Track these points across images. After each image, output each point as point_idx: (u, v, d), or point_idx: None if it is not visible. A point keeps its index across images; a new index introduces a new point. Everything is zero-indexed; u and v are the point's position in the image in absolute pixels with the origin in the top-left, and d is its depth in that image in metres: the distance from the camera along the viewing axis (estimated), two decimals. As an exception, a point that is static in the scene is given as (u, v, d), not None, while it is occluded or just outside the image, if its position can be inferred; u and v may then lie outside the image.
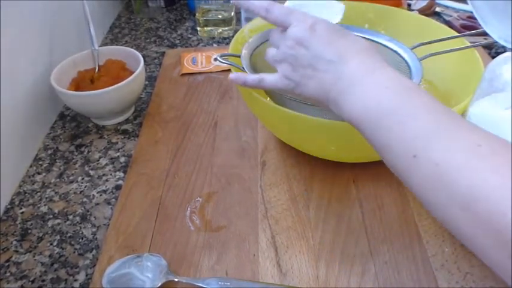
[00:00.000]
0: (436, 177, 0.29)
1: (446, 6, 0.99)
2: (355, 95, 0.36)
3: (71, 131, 0.68)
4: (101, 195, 0.57)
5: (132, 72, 0.67)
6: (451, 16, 0.94)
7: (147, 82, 0.78)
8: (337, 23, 0.55)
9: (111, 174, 0.60)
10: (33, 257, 0.50)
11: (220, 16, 0.92)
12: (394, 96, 0.34)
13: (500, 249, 0.26)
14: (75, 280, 0.47)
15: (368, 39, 0.55)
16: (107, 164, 0.62)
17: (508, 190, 0.26)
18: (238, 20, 0.97)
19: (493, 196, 0.26)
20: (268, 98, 0.56)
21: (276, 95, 0.51)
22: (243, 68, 0.52)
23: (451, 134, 0.30)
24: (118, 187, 0.58)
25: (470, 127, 0.31)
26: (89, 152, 0.64)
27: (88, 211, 0.55)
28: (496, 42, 0.38)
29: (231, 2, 0.45)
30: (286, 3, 0.58)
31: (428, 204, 0.31)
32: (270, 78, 0.44)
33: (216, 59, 0.54)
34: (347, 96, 0.37)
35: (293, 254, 0.48)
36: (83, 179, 0.60)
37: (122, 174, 0.60)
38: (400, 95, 0.34)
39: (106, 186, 0.58)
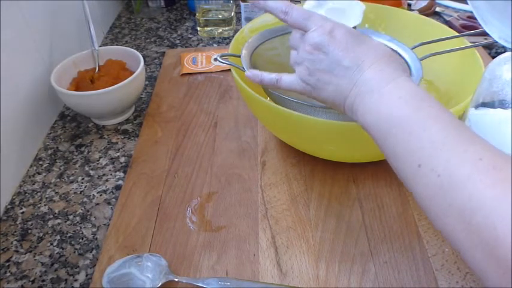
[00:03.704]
0: (437, 187, 0.30)
1: (446, 6, 0.99)
2: (369, 104, 0.37)
3: (71, 131, 0.68)
4: (101, 195, 0.57)
5: (132, 72, 0.67)
6: (451, 16, 0.94)
7: (147, 82, 0.78)
8: (356, 25, 0.55)
9: (111, 174, 0.60)
10: (34, 257, 0.50)
11: (220, 16, 0.92)
12: (406, 106, 0.34)
13: (491, 263, 0.26)
14: (75, 280, 0.47)
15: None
16: (107, 164, 0.62)
17: (503, 205, 0.26)
18: (238, 20, 0.97)
19: (487, 210, 0.27)
20: (268, 98, 0.56)
21: (276, 95, 0.51)
22: (243, 68, 0.52)
23: (456, 146, 0.30)
24: (118, 187, 0.58)
25: (475, 140, 0.31)
26: (89, 152, 0.64)
27: (88, 211, 0.55)
28: (496, 42, 0.38)
29: (249, 2, 0.45)
30: (306, 3, 0.57)
31: (429, 213, 0.32)
32: (287, 79, 0.44)
33: (216, 59, 0.54)
34: (361, 104, 0.37)
35: (293, 254, 0.48)
36: (83, 179, 0.60)
37: (122, 174, 0.60)
38: (411, 105, 0.34)
39: (106, 186, 0.58)
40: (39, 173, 0.61)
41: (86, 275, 0.48)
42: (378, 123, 0.36)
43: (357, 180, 0.56)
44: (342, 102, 0.40)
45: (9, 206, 0.56)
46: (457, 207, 0.28)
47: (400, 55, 0.55)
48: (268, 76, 0.45)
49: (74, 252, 0.50)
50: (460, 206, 0.28)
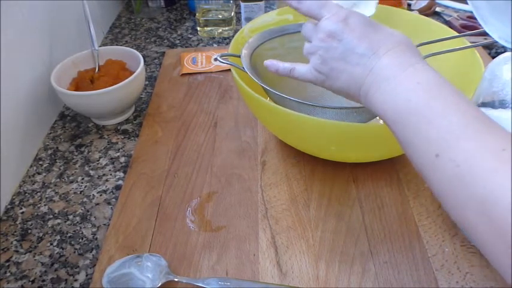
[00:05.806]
0: (456, 178, 0.29)
1: (446, 6, 0.99)
2: (386, 92, 0.35)
3: (71, 131, 0.68)
4: (101, 195, 0.57)
5: (132, 72, 0.67)
6: (451, 16, 0.94)
7: (147, 82, 0.78)
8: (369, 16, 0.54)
9: (111, 174, 0.60)
10: (34, 257, 0.50)
11: (220, 16, 0.92)
12: (424, 93, 0.33)
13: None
14: (75, 280, 0.47)
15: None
16: (107, 164, 0.62)
17: None
18: (238, 20, 0.97)
19: (510, 202, 0.26)
20: (268, 98, 0.56)
21: (276, 95, 0.51)
22: (243, 68, 0.52)
23: (477, 136, 0.29)
24: (118, 187, 0.58)
25: (497, 130, 0.30)
26: (89, 152, 0.64)
27: (88, 211, 0.55)
28: (496, 42, 0.38)
29: None
30: None
31: (446, 204, 0.31)
32: (301, 69, 0.44)
33: (216, 59, 0.54)
34: (377, 92, 0.36)
35: (293, 254, 0.48)
36: (83, 179, 0.60)
37: (122, 174, 0.60)
38: (430, 91, 0.33)
39: (106, 186, 0.58)
40: (39, 173, 0.61)
41: (86, 275, 0.48)
42: (395, 111, 0.34)
43: (357, 180, 0.56)
44: (357, 91, 0.39)
45: (9, 206, 0.56)
46: (478, 199, 0.27)
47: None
48: (283, 65, 0.45)
49: (74, 252, 0.50)
50: (481, 198, 0.27)
